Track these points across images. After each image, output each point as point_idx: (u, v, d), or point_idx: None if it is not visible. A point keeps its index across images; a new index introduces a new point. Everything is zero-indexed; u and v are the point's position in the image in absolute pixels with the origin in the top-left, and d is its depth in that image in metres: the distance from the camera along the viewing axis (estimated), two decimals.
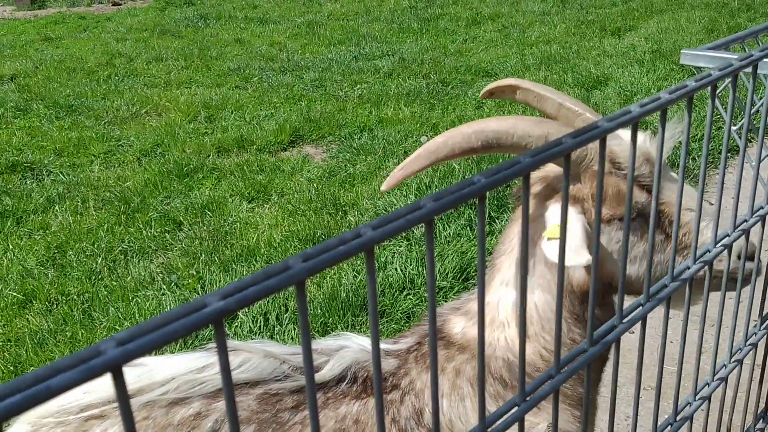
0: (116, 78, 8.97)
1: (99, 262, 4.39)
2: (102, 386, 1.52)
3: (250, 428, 1.51)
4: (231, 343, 1.62)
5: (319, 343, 1.69)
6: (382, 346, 1.67)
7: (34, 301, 4.00)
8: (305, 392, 1.57)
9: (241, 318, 3.72)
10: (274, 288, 0.60)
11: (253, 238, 4.56)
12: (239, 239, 4.59)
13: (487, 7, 12.31)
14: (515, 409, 0.85)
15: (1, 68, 9.68)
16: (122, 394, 0.54)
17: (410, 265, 4.13)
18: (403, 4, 12.87)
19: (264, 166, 5.87)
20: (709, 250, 1.26)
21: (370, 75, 8.56)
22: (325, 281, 4.00)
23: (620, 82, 7.34)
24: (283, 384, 1.57)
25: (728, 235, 1.29)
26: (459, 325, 1.67)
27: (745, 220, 1.32)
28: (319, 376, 1.58)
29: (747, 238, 1.33)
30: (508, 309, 1.62)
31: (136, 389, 1.51)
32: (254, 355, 1.58)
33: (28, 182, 5.81)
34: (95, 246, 4.60)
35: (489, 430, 0.84)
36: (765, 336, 1.53)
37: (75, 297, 4.00)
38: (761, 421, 1.75)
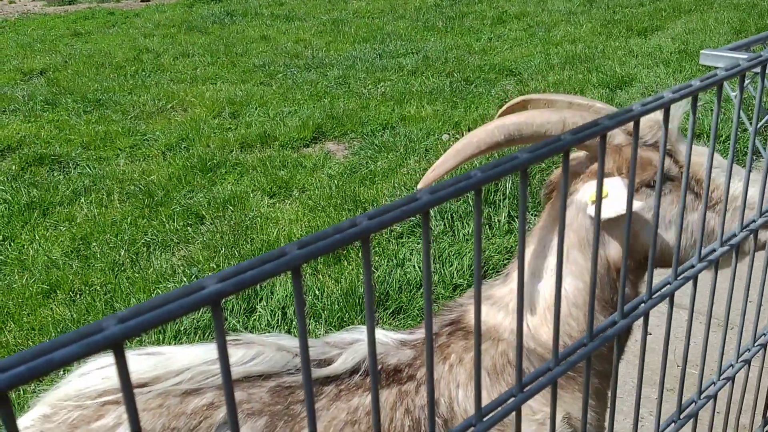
0: (143, 73, 9.08)
1: (122, 254, 4.47)
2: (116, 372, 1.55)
3: (261, 420, 1.54)
4: (245, 336, 1.66)
5: (332, 337, 1.72)
6: (398, 336, 1.70)
7: (58, 291, 4.08)
8: (316, 385, 1.60)
9: (260, 311, 3.76)
10: (270, 273, 0.62)
11: (273, 233, 4.61)
12: (260, 234, 4.64)
13: (513, 6, 12.26)
14: (512, 400, 0.87)
15: (31, 62, 9.85)
16: (123, 370, 0.57)
17: None
18: (429, 3, 12.86)
19: (286, 162, 5.92)
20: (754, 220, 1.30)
21: (393, 73, 8.58)
22: (342, 277, 4.03)
23: (645, 83, 7.29)
24: (296, 377, 1.60)
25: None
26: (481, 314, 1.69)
27: None
28: (332, 369, 1.61)
29: None
30: (531, 297, 1.64)
31: (153, 377, 1.55)
32: (267, 349, 1.61)
33: (55, 175, 5.92)
34: (119, 238, 4.68)
35: (485, 419, 0.86)
36: None
37: (98, 288, 4.08)
38: None
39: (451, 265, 4.09)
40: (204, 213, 5.03)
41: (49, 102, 7.96)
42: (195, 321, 3.66)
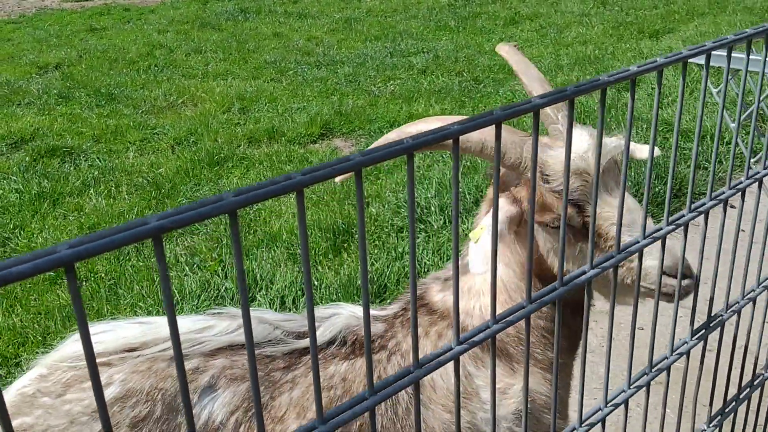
0: (156, 69, 9.19)
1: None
2: (109, 339, 1.65)
3: (243, 385, 1.64)
4: (229, 309, 1.76)
5: (303, 314, 1.81)
6: (372, 312, 1.78)
7: (64, 278, 4.17)
8: (296, 355, 1.69)
9: (259, 300, 3.83)
10: (207, 214, 0.68)
11: (276, 226, 4.68)
12: (263, 226, 4.71)
13: (526, 7, 12.29)
14: (451, 351, 0.93)
15: (46, 57, 9.98)
16: (74, 291, 0.63)
17: (426, 255, 4.20)
18: (442, 2, 12.91)
19: (293, 157, 5.99)
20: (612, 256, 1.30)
21: (403, 71, 8.63)
22: (342, 268, 4.09)
23: (653, 84, 7.30)
24: (275, 347, 1.68)
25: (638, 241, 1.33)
26: (440, 293, 1.78)
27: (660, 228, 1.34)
28: (307, 342, 1.69)
29: (663, 247, 1.34)
30: (484, 283, 1.74)
31: (141, 343, 1.65)
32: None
33: (66, 166, 6.02)
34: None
35: (424, 367, 0.91)
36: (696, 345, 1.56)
37: (103, 275, 4.16)
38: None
39: (449, 259, 4.15)
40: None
41: (63, 96, 8.08)
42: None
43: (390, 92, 7.83)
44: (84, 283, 4.12)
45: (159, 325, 1.69)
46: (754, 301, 1.60)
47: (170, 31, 11.42)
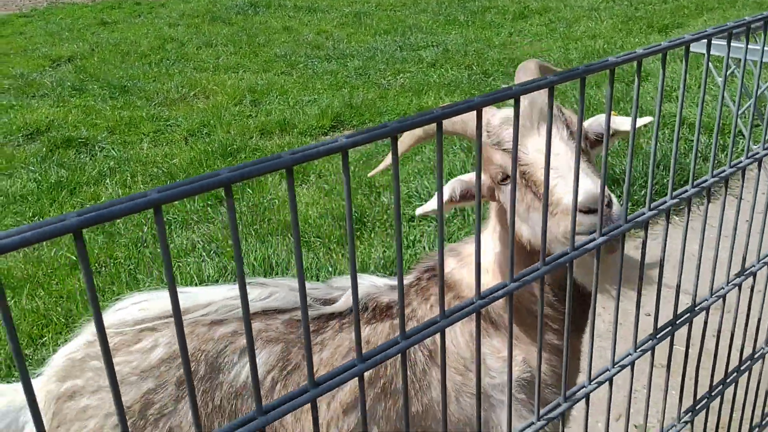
0: (167, 62, 9.29)
1: (145, 230, 4.66)
2: (154, 306, 1.76)
3: (278, 346, 1.75)
4: (261, 279, 1.86)
5: (335, 281, 1.94)
6: (389, 281, 1.89)
7: None
8: (322, 320, 1.80)
9: None
10: (204, 188, 0.76)
11: (289, 214, 4.77)
12: (276, 215, 4.80)
13: (535, 1, 12.33)
14: (436, 324, 1.02)
15: (59, 50, 10.10)
16: (83, 254, 0.71)
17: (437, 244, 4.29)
18: None
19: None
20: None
21: (413, 65, 8.71)
22: (355, 256, 4.18)
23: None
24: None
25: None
26: (450, 266, 1.88)
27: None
28: (335, 307, 1.84)
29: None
30: (487, 258, 1.84)
31: (183, 309, 1.76)
32: (281, 289, 1.82)
33: (82, 156, 6.13)
34: (142, 216, 4.86)
35: (410, 338, 0.99)
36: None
37: (122, 261, 4.27)
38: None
39: None
40: (222, 195, 5.20)
41: (77, 88, 8.19)
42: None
43: (400, 85, 7.91)
44: (104, 268, 4.23)
45: (198, 293, 1.81)
46: (754, 275, 1.68)
47: (181, 24, 11.51)
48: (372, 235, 4.47)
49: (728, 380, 1.82)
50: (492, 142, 1.67)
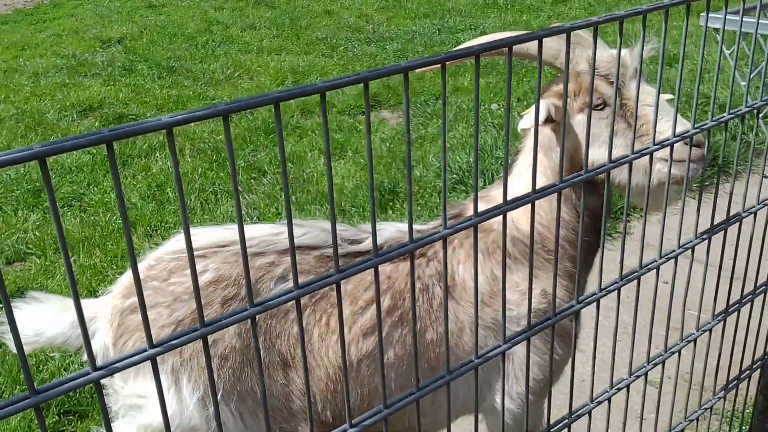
0: (213, 44, 9.62)
1: (193, 199, 4.97)
2: (205, 235, 2.04)
3: (309, 277, 2.00)
4: (296, 221, 2.11)
5: (364, 226, 2.17)
6: (415, 227, 2.12)
7: (137, 227, 4.61)
8: (350, 257, 2.04)
9: None
10: (205, 116, 0.97)
11: (327, 186, 5.04)
12: (315, 186, 5.08)
13: None
14: (439, 233, 1.26)
15: (109, 32, 10.50)
16: (47, 180, 0.88)
17: None
18: None
19: (342, 126, 6.34)
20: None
21: (451, 47, 8.89)
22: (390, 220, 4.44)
23: (695, 60, 7.43)
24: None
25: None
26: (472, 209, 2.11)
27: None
28: (361, 246, 2.07)
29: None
30: (520, 189, 2.04)
31: (231, 241, 2.02)
32: (313, 229, 2.07)
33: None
34: (190, 186, 5.18)
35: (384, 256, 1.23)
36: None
37: (171, 225, 4.59)
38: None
39: None
40: (266, 168, 5.50)
41: (126, 68, 8.56)
42: None
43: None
44: (155, 231, 4.56)
45: (245, 229, 2.09)
46: None
47: (226, 8, 11.84)
48: (404, 205, 4.72)
49: (715, 321, 2.03)
50: (600, 73, 1.94)
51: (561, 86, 2.01)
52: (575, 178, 1.37)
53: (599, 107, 1.95)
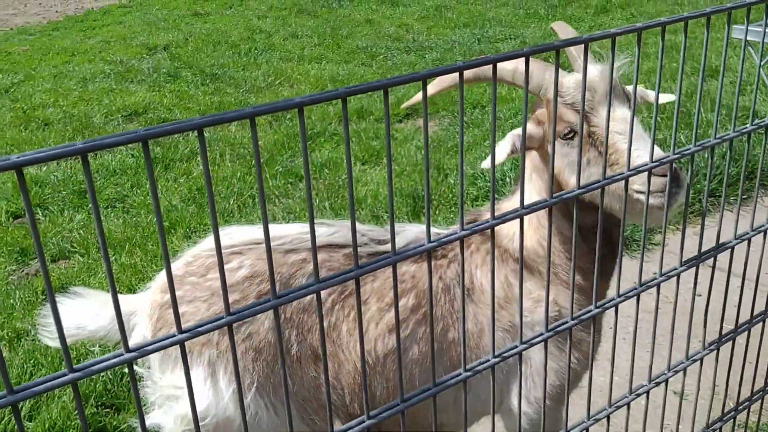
0: (255, 52, 9.80)
1: (231, 203, 5.09)
2: (240, 233, 2.13)
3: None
4: (325, 221, 2.20)
5: (389, 227, 2.23)
6: (436, 230, 2.18)
7: (177, 228, 4.74)
8: (375, 256, 2.11)
9: None
10: (233, 118, 1.04)
11: (362, 192, 5.12)
12: (348, 187, 5.15)
13: None
14: (456, 234, 1.31)
15: (156, 39, 10.78)
16: (88, 175, 0.98)
17: None
18: None
19: (379, 134, 6.42)
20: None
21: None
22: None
23: (736, 72, 7.34)
24: (362, 249, 2.11)
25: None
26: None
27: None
28: (389, 247, 2.12)
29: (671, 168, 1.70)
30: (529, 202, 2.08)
31: (262, 239, 2.10)
32: (342, 229, 2.15)
33: (175, 136, 6.64)
34: (228, 190, 5.31)
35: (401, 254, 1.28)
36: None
37: (210, 228, 4.70)
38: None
39: None
40: (302, 174, 5.60)
41: (171, 74, 8.78)
42: None
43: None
44: (194, 233, 4.68)
45: (275, 228, 2.17)
46: None
47: (269, 16, 12.05)
48: (437, 212, 4.77)
49: (739, 330, 2.03)
50: (566, 101, 1.93)
51: (538, 112, 2.02)
52: (542, 204, 1.41)
53: (569, 136, 1.93)
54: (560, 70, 1.95)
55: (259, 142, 6.26)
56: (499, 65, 1.93)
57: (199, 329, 0.99)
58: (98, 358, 0.91)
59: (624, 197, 1.57)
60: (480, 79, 1.96)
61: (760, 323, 2.10)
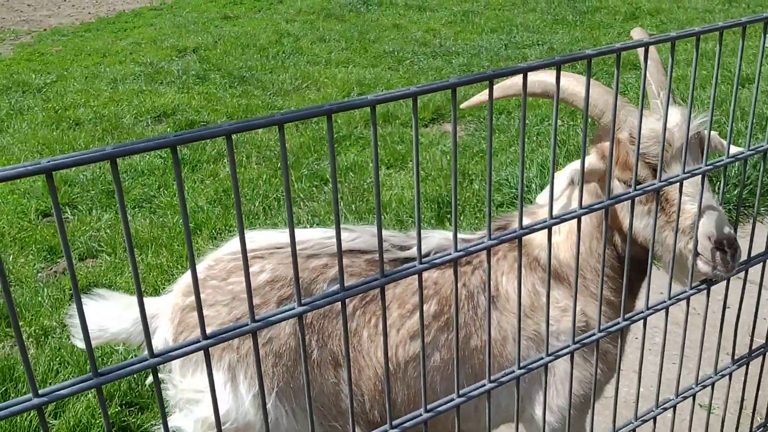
0: (283, 55, 9.85)
1: (256, 205, 5.12)
2: (262, 238, 2.13)
3: (360, 280, 2.06)
4: (347, 226, 2.19)
5: (412, 233, 2.22)
6: (462, 236, 2.16)
7: (203, 229, 4.77)
8: (398, 263, 2.10)
9: None
10: (262, 125, 1.03)
11: (387, 196, 5.11)
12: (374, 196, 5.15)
13: (647, 2, 12.18)
14: (483, 244, 1.29)
15: (185, 41, 10.88)
16: (116, 179, 0.97)
17: None
18: None
19: (404, 138, 6.41)
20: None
21: (517, 62, 8.88)
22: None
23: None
24: (384, 255, 2.10)
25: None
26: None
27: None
28: (409, 253, 2.11)
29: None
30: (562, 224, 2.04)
31: (285, 243, 2.10)
32: (364, 234, 2.14)
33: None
34: (254, 192, 5.33)
35: (388, 277, 1.27)
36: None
37: (235, 229, 4.73)
38: None
39: None
40: (328, 177, 5.61)
41: (200, 77, 8.85)
42: None
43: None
44: (219, 234, 4.71)
45: (299, 232, 2.17)
46: None
47: (297, 20, 12.11)
48: (461, 218, 4.75)
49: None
50: (645, 154, 1.83)
51: (604, 144, 1.94)
52: (572, 214, 1.39)
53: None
54: (634, 110, 1.86)
55: (286, 145, 6.29)
56: (567, 86, 1.88)
57: (224, 335, 0.99)
58: (122, 363, 0.91)
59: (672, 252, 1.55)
60: (545, 95, 1.91)
61: None
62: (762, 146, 1.71)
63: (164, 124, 7.20)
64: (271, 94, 8.14)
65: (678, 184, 1.65)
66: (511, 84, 1.96)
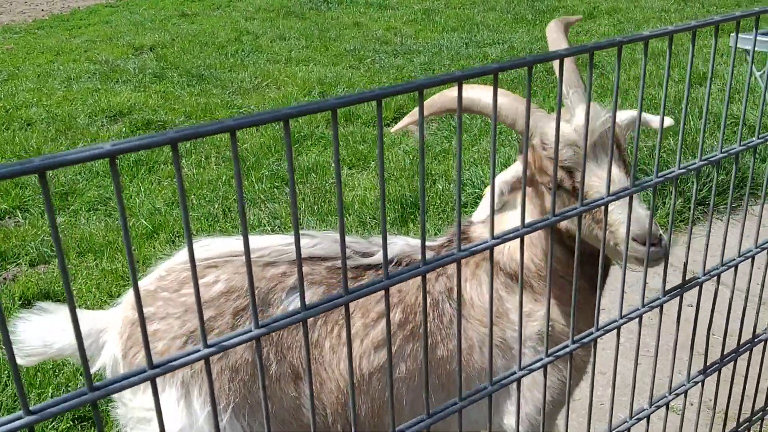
0: (242, 53, 9.69)
1: (216, 207, 4.99)
2: (216, 246, 2.03)
3: (320, 288, 1.98)
4: (308, 231, 2.10)
5: (375, 239, 2.15)
6: (420, 242, 2.09)
7: (160, 233, 4.63)
8: (361, 270, 2.02)
9: None
10: (212, 132, 0.94)
11: (349, 197, 5.03)
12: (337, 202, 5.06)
13: (605, 2, 12.29)
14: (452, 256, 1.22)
15: (142, 39, 10.64)
16: (46, 193, 0.87)
17: None
18: None
19: (366, 138, 6.33)
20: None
21: (477, 61, 8.86)
22: (409, 236, 4.42)
23: (725, 80, 7.32)
24: (347, 262, 2.02)
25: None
26: (479, 231, 2.08)
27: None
28: (372, 259, 2.05)
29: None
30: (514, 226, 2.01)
31: (241, 251, 2.00)
32: (325, 240, 2.05)
33: None
34: (213, 194, 5.20)
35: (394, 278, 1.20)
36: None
37: (195, 232, 4.60)
38: None
39: None
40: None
41: (157, 75, 8.65)
42: None
43: None
44: (178, 238, 4.57)
45: (256, 240, 2.07)
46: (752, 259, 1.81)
47: (257, 18, 11.94)
48: (425, 218, 4.70)
49: (741, 350, 1.97)
50: (549, 155, 1.81)
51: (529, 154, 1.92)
52: (543, 222, 1.33)
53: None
54: (544, 116, 1.84)
55: (245, 146, 6.17)
56: (484, 99, 1.86)
57: (173, 363, 0.90)
58: (58, 398, 0.82)
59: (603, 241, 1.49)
60: (466, 110, 1.89)
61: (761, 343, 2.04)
62: (734, 148, 1.67)
63: (120, 124, 7.01)
64: (230, 92, 7.98)
65: (598, 190, 1.71)
66: (431, 103, 1.92)
